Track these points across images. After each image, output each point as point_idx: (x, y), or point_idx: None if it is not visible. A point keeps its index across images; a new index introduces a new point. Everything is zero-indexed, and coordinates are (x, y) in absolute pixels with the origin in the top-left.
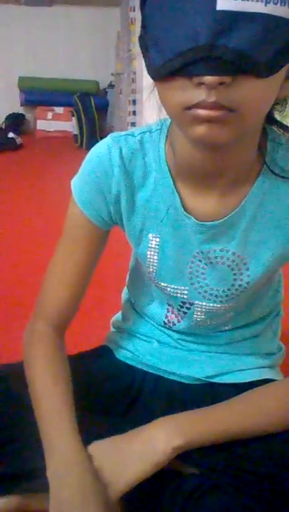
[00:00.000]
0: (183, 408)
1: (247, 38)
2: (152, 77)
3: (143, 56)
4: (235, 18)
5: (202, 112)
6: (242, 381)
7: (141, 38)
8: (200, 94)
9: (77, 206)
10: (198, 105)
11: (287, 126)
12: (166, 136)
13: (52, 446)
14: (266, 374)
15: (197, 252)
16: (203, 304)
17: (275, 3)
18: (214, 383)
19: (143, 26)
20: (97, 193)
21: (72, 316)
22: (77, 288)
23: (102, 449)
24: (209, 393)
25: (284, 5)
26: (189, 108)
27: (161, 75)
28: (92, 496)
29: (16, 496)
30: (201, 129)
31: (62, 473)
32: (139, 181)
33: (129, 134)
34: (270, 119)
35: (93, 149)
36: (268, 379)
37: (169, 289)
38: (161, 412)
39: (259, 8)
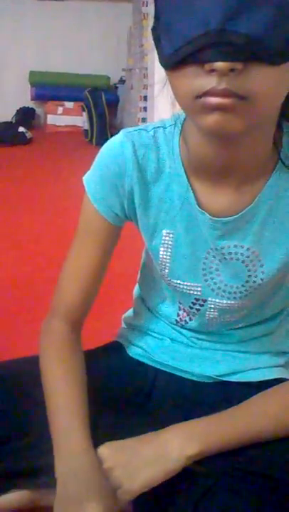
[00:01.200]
0: (195, 406)
1: (258, 24)
2: (164, 67)
3: (156, 47)
4: (246, 3)
5: (213, 100)
6: (255, 380)
7: (154, 30)
8: (211, 82)
9: (90, 203)
10: (209, 93)
11: None
12: (180, 131)
13: (61, 444)
14: (279, 373)
15: (211, 249)
16: (217, 300)
17: None
18: (226, 382)
19: (156, 18)
20: (110, 188)
21: (88, 311)
22: (91, 283)
23: (114, 451)
24: (221, 392)
25: None
26: (200, 96)
27: (173, 63)
28: (98, 494)
29: (28, 491)
30: (212, 118)
31: (69, 470)
32: (152, 176)
33: (142, 129)
34: (286, 115)
35: (106, 145)
36: (281, 378)
37: (181, 286)
38: (173, 410)
39: None
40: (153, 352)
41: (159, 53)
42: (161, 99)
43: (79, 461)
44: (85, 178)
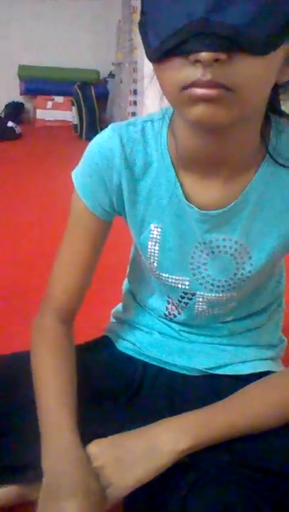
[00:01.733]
0: (184, 399)
1: (242, 14)
2: (150, 60)
3: (142, 42)
4: None
5: (198, 91)
6: (243, 373)
7: (140, 25)
8: (196, 73)
9: (79, 198)
10: (194, 84)
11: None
12: (168, 125)
13: (48, 439)
14: (268, 366)
15: (199, 243)
16: (205, 294)
17: None
18: (215, 375)
19: (142, 12)
20: (98, 183)
21: (79, 305)
22: (82, 278)
23: (104, 448)
24: (210, 384)
25: None
26: (186, 88)
27: (158, 55)
28: (85, 490)
29: (16, 486)
30: (198, 110)
31: (56, 465)
32: (140, 171)
33: (130, 124)
34: (274, 108)
35: (94, 140)
36: (269, 371)
37: (170, 280)
38: (162, 404)
39: None
40: (142, 346)
41: (145, 47)
42: (150, 94)
43: (67, 457)
44: (73, 173)
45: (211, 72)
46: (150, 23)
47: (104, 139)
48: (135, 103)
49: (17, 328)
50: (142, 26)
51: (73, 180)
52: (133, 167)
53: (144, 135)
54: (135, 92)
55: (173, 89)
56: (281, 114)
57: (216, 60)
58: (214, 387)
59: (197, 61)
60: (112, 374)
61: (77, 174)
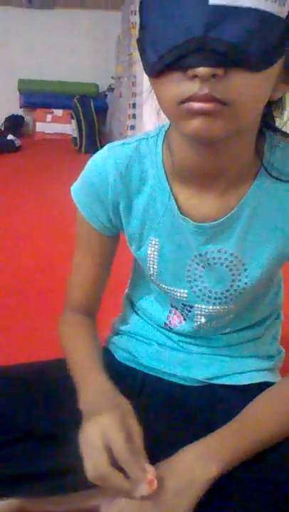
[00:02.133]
0: (183, 409)
1: (239, 32)
2: (148, 74)
3: (141, 57)
4: (227, 11)
5: (195, 105)
6: (241, 383)
7: (139, 41)
8: (193, 87)
9: (81, 214)
10: (191, 98)
11: (283, 131)
12: (164, 140)
13: (85, 381)
14: (266, 377)
15: (195, 255)
16: (203, 306)
17: (266, 0)
18: (214, 385)
19: (141, 28)
20: (95, 201)
21: (98, 305)
22: (94, 287)
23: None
24: (209, 395)
25: (275, 2)
26: (183, 102)
27: (157, 69)
28: (120, 408)
29: (16, 499)
30: (194, 123)
31: (96, 400)
32: (136, 187)
33: (125, 143)
34: (268, 124)
35: (92, 159)
36: (267, 382)
37: (170, 290)
38: (161, 413)
39: (250, 2)
40: (141, 356)
41: (143, 62)
42: (148, 108)
43: (104, 396)
44: (72, 188)
45: (208, 87)
46: (149, 38)
47: (100, 159)
48: (134, 116)
49: (21, 340)
50: (141, 41)
51: (72, 196)
52: (129, 184)
53: (139, 152)
54: (134, 105)
55: (170, 103)
56: (275, 129)
57: (214, 76)
58: (213, 397)
59: (195, 76)
60: None
61: (76, 191)
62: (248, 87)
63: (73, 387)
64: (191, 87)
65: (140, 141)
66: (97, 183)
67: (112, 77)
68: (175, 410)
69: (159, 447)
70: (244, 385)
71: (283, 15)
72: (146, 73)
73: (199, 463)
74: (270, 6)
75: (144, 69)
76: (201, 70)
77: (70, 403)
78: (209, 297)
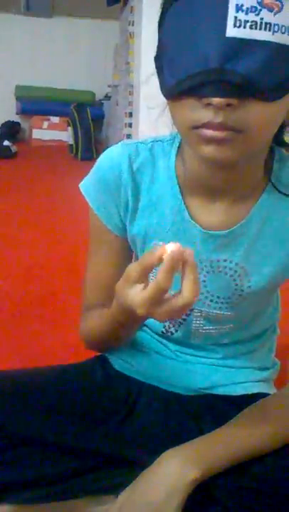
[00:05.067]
0: (179, 419)
1: (254, 64)
2: (165, 96)
3: (158, 75)
4: (243, 44)
5: (208, 133)
6: (236, 394)
7: (157, 58)
8: (208, 115)
9: (95, 214)
10: (205, 125)
11: None
12: (178, 148)
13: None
14: (260, 388)
15: (200, 260)
16: (203, 309)
17: (283, 33)
18: (210, 395)
19: (159, 47)
20: (108, 198)
21: None
22: (111, 286)
23: (126, 502)
24: (205, 404)
25: None
26: (197, 127)
27: (173, 94)
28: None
29: (8, 505)
30: (208, 149)
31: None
32: (145, 188)
33: (140, 142)
34: (278, 140)
35: (104, 155)
36: (262, 393)
37: None
38: (157, 422)
39: (266, 36)
40: (137, 365)
41: (160, 82)
42: (144, 117)
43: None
44: (82, 186)
45: (222, 116)
46: (167, 59)
47: (114, 155)
48: (130, 125)
49: (20, 346)
50: (159, 60)
51: (84, 194)
52: (139, 184)
53: (152, 154)
54: (130, 114)
55: (185, 126)
56: (284, 145)
57: (228, 105)
58: (209, 407)
59: (209, 104)
60: (107, 392)
61: (88, 188)
62: (262, 116)
63: (66, 392)
64: (206, 115)
65: (155, 143)
66: (111, 179)
67: (109, 86)
68: (171, 419)
69: (154, 456)
70: (240, 396)
71: None
72: (163, 94)
73: (176, 469)
74: (285, 39)
75: (161, 89)
76: (217, 100)
77: (63, 410)
78: (211, 301)
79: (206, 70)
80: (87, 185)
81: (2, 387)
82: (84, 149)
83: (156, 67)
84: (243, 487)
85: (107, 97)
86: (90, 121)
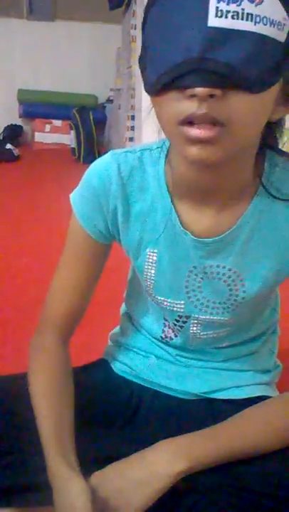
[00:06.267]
0: (180, 423)
1: (237, 54)
2: (148, 93)
3: (141, 75)
4: (225, 34)
5: (193, 132)
6: (239, 397)
7: (140, 59)
8: (192, 107)
9: (77, 221)
10: (190, 117)
11: (282, 150)
12: (166, 154)
13: (49, 466)
14: (263, 391)
15: (194, 267)
16: (200, 316)
17: (265, 24)
18: (211, 399)
19: (143, 47)
20: (95, 208)
21: (76, 324)
22: (77, 300)
23: (104, 480)
24: (206, 408)
25: (273, 26)
26: (182, 122)
27: (156, 89)
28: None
29: (11, 509)
30: (194, 150)
31: (61, 499)
32: (136, 196)
33: (129, 151)
34: (269, 143)
35: (93, 164)
36: (264, 396)
37: (165, 303)
38: (158, 427)
39: (249, 27)
40: (138, 369)
41: (144, 80)
42: (148, 121)
43: (68, 490)
44: (71, 196)
45: (206, 107)
46: (149, 57)
47: (103, 164)
48: (133, 128)
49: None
50: (142, 60)
51: (71, 202)
52: (129, 193)
53: (142, 162)
54: (133, 117)
55: (169, 122)
56: (275, 148)
57: (211, 96)
58: (210, 411)
59: (193, 96)
60: (108, 397)
61: (75, 197)
62: (246, 108)
63: None
64: (189, 107)
65: (144, 151)
66: (99, 188)
67: (112, 89)
68: (172, 424)
69: None
70: (241, 399)
71: (282, 39)
72: (146, 92)
73: (163, 456)
74: (268, 31)
75: (145, 88)
76: (199, 90)
77: None
78: (207, 307)
79: (187, 59)
80: (75, 193)
81: (4, 391)
82: (86, 152)
83: (140, 68)
84: (225, 484)
85: (110, 101)
86: (93, 124)
